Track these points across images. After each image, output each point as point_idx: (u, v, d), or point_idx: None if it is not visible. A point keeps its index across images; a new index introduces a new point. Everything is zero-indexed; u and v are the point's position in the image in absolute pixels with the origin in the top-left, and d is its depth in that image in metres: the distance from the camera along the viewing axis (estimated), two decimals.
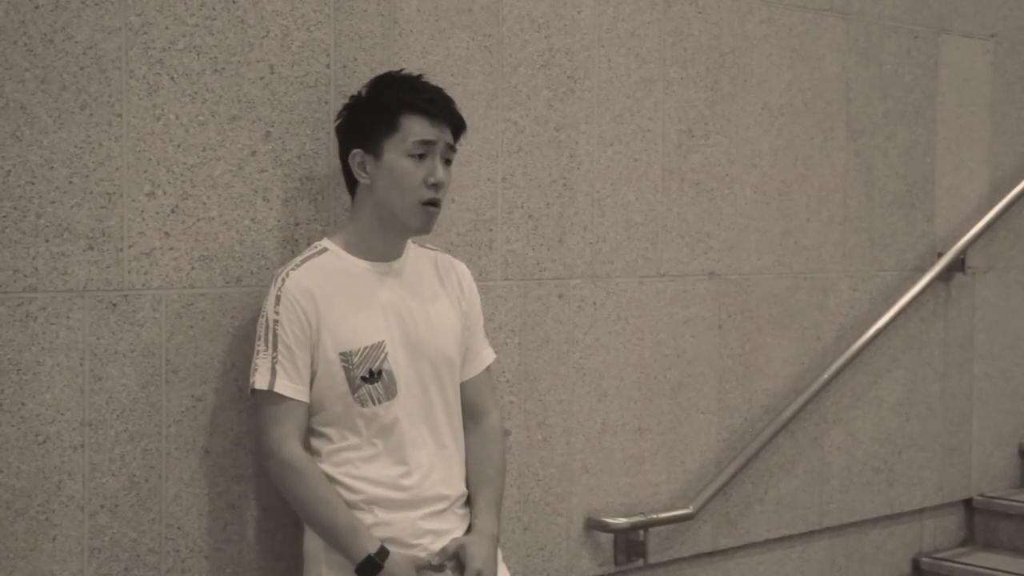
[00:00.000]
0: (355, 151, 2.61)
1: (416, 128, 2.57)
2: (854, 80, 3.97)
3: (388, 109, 2.58)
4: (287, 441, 2.51)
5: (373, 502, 2.54)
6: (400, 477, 2.57)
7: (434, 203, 2.59)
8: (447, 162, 2.62)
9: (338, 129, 2.70)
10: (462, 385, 2.74)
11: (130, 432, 2.56)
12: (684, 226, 3.56)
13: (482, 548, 2.60)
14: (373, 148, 2.58)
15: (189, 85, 2.62)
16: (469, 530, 2.66)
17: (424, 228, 2.62)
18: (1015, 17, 4.49)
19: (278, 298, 2.53)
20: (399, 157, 2.56)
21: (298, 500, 2.53)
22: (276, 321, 2.52)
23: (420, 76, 2.69)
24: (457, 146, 2.67)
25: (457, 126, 2.65)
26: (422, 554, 2.55)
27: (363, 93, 2.66)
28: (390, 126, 2.57)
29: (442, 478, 2.63)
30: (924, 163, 4.20)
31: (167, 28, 2.59)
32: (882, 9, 4.05)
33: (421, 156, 2.57)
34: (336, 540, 2.50)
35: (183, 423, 2.63)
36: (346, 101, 2.70)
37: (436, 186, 2.57)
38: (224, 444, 2.68)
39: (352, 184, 2.66)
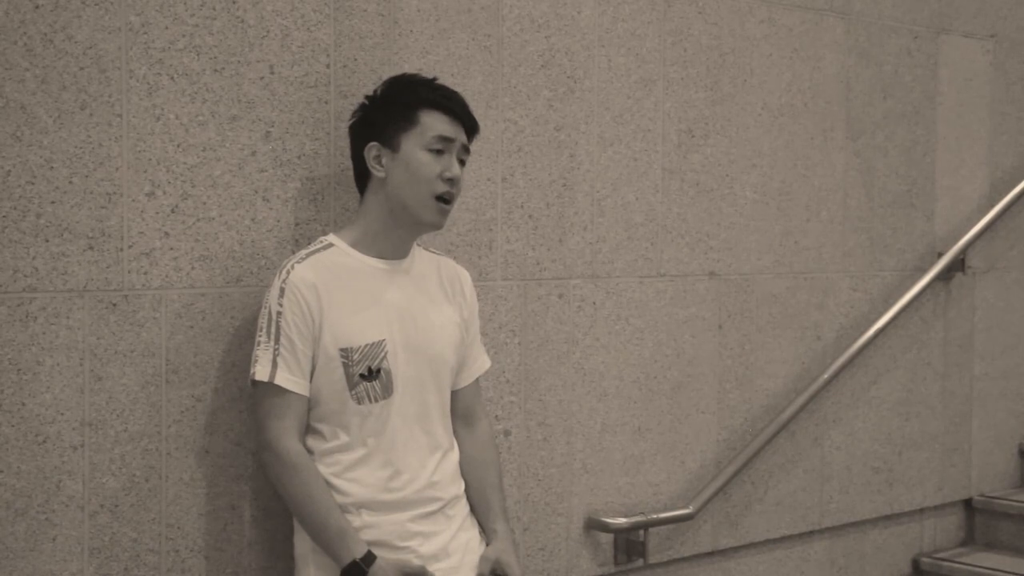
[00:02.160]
0: (371, 144, 2.61)
1: (436, 124, 2.59)
2: (854, 80, 3.97)
3: (408, 105, 2.60)
4: (286, 435, 2.51)
5: (362, 505, 2.54)
6: (389, 479, 2.57)
7: (447, 199, 2.60)
8: (461, 163, 2.64)
9: (352, 128, 2.70)
10: (456, 392, 2.75)
11: (130, 432, 2.56)
12: (684, 226, 3.56)
13: (513, 556, 2.71)
14: (390, 142, 2.60)
15: (189, 85, 2.62)
16: (485, 538, 2.72)
17: (436, 223, 2.63)
18: (1015, 17, 4.49)
19: (282, 290, 2.53)
20: (417, 150, 2.58)
21: (291, 496, 2.53)
22: (279, 313, 2.51)
23: (435, 79, 2.72)
24: (471, 148, 2.70)
25: (472, 128, 2.67)
26: (411, 556, 2.55)
27: (379, 92, 2.67)
28: (409, 120, 2.59)
29: (435, 480, 2.63)
30: (924, 163, 4.20)
31: (167, 28, 2.59)
32: (882, 9, 4.05)
33: (439, 152, 2.59)
34: (324, 541, 2.50)
35: (183, 423, 2.62)
36: (358, 101, 2.71)
37: (451, 181, 2.59)
38: (224, 444, 2.68)
39: (363, 181, 2.67)
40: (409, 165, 2.58)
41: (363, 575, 2.46)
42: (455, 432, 2.75)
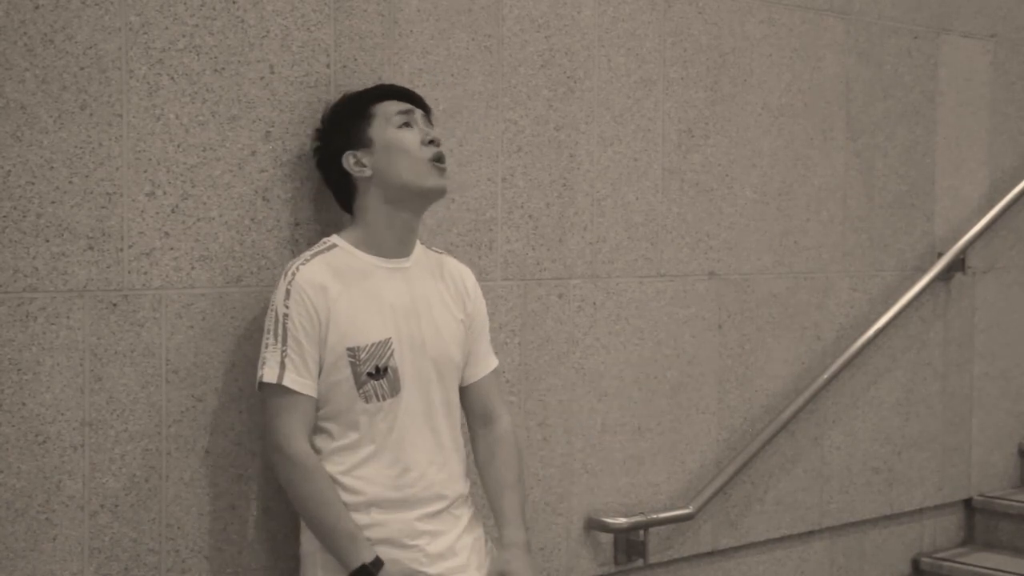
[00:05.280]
0: (346, 154, 2.65)
1: (390, 105, 2.66)
2: (854, 80, 3.97)
3: (358, 109, 2.67)
4: (295, 437, 2.51)
5: (371, 504, 2.54)
6: (397, 476, 2.58)
7: (440, 159, 2.63)
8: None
9: (319, 161, 2.73)
10: (470, 388, 2.76)
11: (130, 432, 2.56)
12: (684, 226, 3.56)
13: (522, 562, 2.63)
14: (360, 142, 2.64)
15: (189, 85, 2.62)
16: (493, 543, 2.72)
17: (439, 185, 2.64)
18: (1015, 17, 4.49)
19: (288, 292, 2.53)
20: (388, 131, 2.63)
21: (300, 498, 2.53)
22: (286, 315, 2.52)
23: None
24: (435, 125, 2.74)
25: (420, 103, 2.73)
26: (419, 555, 2.55)
27: (326, 117, 2.73)
28: (367, 116, 2.65)
29: (441, 479, 2.63)
30: (924, 163, 4.20)
31: (167, 28, 2.59)
32: (882, 9, 4.05)
33: (407, 125, 2.64)
34: (333, 544, 2.50)
35: (183, 423, 2.62)
36: (313, 138, 2.76)
37: (433, 142, 2.64)
38: (224, 444, 2.68)
39: (346, 195, 2.69)
40: (389, 146, 2.62)
41: None
42: (473, 431, 2.77)
